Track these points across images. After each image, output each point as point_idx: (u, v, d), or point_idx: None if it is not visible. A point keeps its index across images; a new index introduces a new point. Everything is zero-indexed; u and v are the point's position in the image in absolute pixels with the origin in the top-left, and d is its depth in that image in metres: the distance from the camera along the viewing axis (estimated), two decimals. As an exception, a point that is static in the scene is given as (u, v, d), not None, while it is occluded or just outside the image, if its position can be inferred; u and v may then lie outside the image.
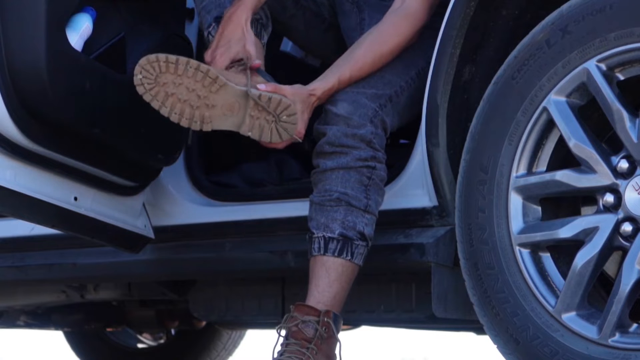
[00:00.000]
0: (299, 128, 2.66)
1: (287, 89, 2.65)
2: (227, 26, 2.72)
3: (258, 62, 2.69)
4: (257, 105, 2.61)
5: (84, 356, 4.99)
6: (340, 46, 3.00)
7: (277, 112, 2.62)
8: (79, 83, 2.69)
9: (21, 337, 6.93)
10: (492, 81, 2.56)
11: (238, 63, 2.68)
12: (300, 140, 2.68)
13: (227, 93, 2.60)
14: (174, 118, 2.61)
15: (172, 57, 2.57)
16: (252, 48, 2.70)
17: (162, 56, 2.57)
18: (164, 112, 2.60)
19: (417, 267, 2.79)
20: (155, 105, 2.60)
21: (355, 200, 2.66)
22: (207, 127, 2.62)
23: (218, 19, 2.81)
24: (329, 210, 2.67)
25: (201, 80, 2.58)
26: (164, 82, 2.57)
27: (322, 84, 2.70)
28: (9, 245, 3.43)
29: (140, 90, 2.58)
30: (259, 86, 2.63)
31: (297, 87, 2.67)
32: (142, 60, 2.57)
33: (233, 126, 2.63)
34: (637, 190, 2.38)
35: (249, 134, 2.63)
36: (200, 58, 2.70)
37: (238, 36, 2.70)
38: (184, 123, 2.61)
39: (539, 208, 2.51)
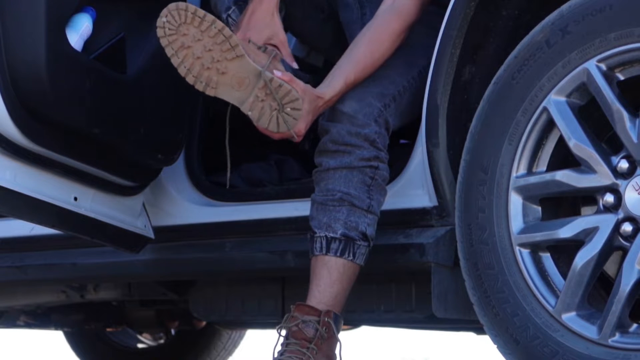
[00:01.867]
0: (300, 126, 2.64)
1: (300, 84, 2.64)
2: (257, 9, 2.72)
3: (295, 65, 2.72)
4: (265, 88, 2.59)
5: (84, 356, 4.99)
6: (337, 39, 2.99)
7: (282, 101, 2.60)
8: (79, 83, 2.69)
9: (21, 337, 6.93)
10: (492, 81, 2.56)
11: (268, 48, 2.68)
12: (297, 139, 2.67)
13: (241, 65, 2.58)
14: (181, 71, 2.59)
15: (201, 12, 2.56)
16: (284, 37, 2.72)
17: (191, 7, 2.55)
18: (175, 61, 2.58)
19: (417, 267, 2.79)
20: (168, 51, 2.57)
21: (358, 201, 2.66)
22: (210, 92, 2.60)
23: (238, 2, 2.81)
24: (331, 210, 2.66)
25: (221, 43, 2.56)
26: (184, 33, 2.55)
27: (331, 90, 2.68)
28: (9, 245, 3.43)
29: (159, 33, 2.56)
30: (275, 72, 2.62)
31: (309, 87, 2.67)
32: (172, 5, 2.55)
33: (236, 101, 2.61)
34: (637, 190, 2.38)
35: (249, 113, 2.61)
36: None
37: (268, 21, 2.71)
38: (190, 79, 2.59)
39: (539, 208, 2.51)
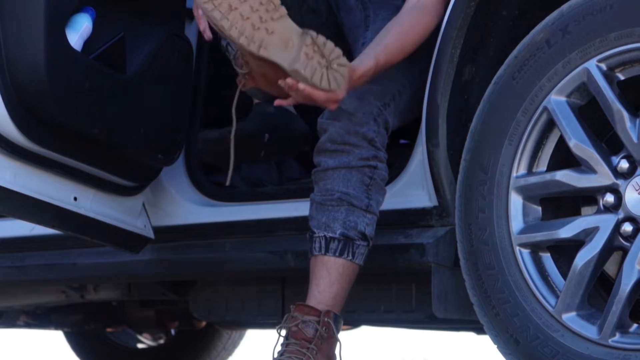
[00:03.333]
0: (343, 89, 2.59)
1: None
2: None
3: None
4: (313, 45, 2.55)
5: (84, 356, 4.99)
6: (336, 43, 2.98)
7: (330, 57, 2.56)
8: (79, 83, 2.69)
9: (21, 337, 6.93)
10: (492, 81, 2.56)
11: None
12: (344, 95, 2.60)
13: (286, 26, 2.55)
14: (233, 33, 2.53)
15: None
16: None
17: None
18: (225, 24, 2.53)
19: (417, 267, 2.79)
20: (216, 15, 2.52)
21: (357, 200, 2.66)
22: (263, 52, 2.55)
23: None
24: (330, 209, 2.66)
25: (265, 3, 2.53)
26: None
27: (363, 66, 2.63)
28: (9, 245, 3.43)
29: None
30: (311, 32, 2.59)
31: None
32: None
33: (285, 62, 2.56)
34: (637, 190, 2.38)
35: (303, 71, 2.55)
36: (200, 58, 2.69)
37: None
38: (243, 41, 2.54)
39: (539, 208, 2.51)
